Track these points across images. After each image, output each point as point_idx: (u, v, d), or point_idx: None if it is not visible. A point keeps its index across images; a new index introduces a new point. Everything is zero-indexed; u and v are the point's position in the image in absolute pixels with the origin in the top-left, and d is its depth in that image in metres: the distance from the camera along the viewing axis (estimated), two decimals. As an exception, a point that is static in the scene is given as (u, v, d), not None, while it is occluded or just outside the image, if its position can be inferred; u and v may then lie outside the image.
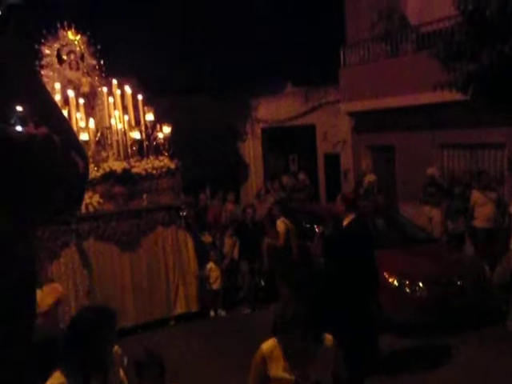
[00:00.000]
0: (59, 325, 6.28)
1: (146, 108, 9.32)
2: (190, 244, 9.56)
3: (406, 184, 13.18)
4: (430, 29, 12.09)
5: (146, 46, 15.80)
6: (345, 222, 6.74)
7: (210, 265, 9.76)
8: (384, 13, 13.08)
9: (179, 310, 9.41)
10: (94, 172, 8.61)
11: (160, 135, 9.37)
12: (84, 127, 8.72)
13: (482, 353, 7.24)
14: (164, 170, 9.29)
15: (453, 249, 10.01)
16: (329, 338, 3.63)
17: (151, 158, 9.34)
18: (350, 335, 5.82)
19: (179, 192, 9.59)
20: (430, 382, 6.66)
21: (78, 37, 9.63)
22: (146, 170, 9.13)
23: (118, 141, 9.18)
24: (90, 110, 9.50)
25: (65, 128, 1.68)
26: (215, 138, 16.84)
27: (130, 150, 9.23)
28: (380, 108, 13.39)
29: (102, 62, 9.83)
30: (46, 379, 2.95)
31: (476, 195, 9.95)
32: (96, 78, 9.80)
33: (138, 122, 9.34)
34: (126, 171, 8.90)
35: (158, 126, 9.36)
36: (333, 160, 16.40)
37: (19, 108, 1.69)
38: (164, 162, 9.36)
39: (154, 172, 9.19)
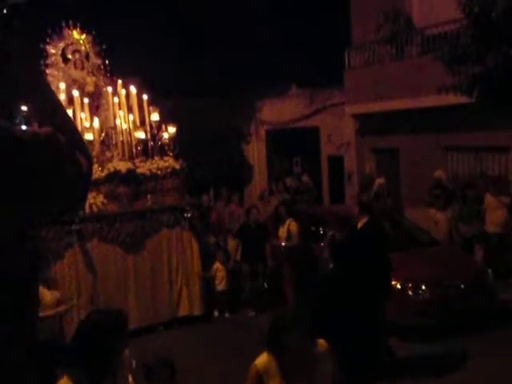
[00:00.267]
0: (61, 327, 6.26)
1: (151, 108, 9.30)
2: (195, 245, 9.49)
3: (411, 187, 13.16)
4: (436, 31, 12.09)
5: (148, 46, 15.84)
6: (359, 225, 6.74)
7: (217, 265, 9.71)
8: (390, 15, 13.07)
9: (182, 312, 9.35)
10: (98, 172, 8.57)
11: (165, 135, 9.33)
12: (89, 127, 8.72)
13: (485, 356, 7.17)
14: (169, 170, 9.24)
15: (457, 252, 9.99)
16: (322, 343, 3.49)
17: (156, 158, 9.30)
18: (355, 340, 5.78)
19: (184, 193, 9.56)
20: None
21: (83, 36, 9.63)
22: (150, 170, 9.10)
23: (122, 141, 9.16)
24: (95, 109, 9.49)
25: (69, 127, 1.68)
26: (219, 139, 16.84)
27: (134, 150, 9.21)
28: (384, 110, 13.37)
29: (106, 62, 9.82)
30: (46, 381, 2.92)
31: (489, 199, 9.95)
32: (101, 77, 9.80)
33: (142, 122, 9.31)
34: (130, 171, 8.87)
35: (164, 126, 9.32)
36: (337, 162, 16.38)
37: (24, 107, 1.70)
38: (169, 162, 9.31)
39: (159, 172, 9.15)
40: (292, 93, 17.75)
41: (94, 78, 9.68)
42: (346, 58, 14.68)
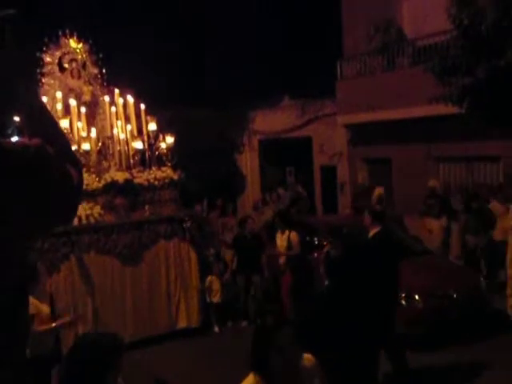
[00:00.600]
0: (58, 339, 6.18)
1: (148, 118, 9.22)
2: (193, 257, 9.30)
3: (404, 197, 13.25)
4: (426, 42, 12.27)
5: (146, 56, 15.88)
6: (370, 234, 6.79)
7: (210, 278, 9.56)
8: (381, 26, 13.25)
9: (180, 324, 9.17)
10: (95, 182, 8.50)
11: (163, 145, 9.24)
12: (85, 137, 8.65)
13: (478, 365, 7.21)
14: (167, 180, 9.14)
15: (450, 261, 10.03)
16: (308, 357, 3.28)
17: (154, 168, 9.21)
18: (347, 359, 5.68)
19: (181, 203, 9.45)
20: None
21: (80, 45, 9.54)
22: (148, 180, 8.99)
23: (120, 151, 9.09)
24: (92, 119, 9.39)
25: (59, 139, 1.67)
26: (213, 149, 16.88)
27: (132, 160, 9.11)
28: (376, 121, 13.51)
29: (103, 71, 9.75)
30: None
31: (497, 206, 9.89)
32: (98, 86, 9.71)
33: (140, 132, 9.23)
34: (127, 182, 8.77)
35: (161, 136, 9.24)
36: (329, 172, 16.49)
37: (16, 118, 1.72)
38: (167, 172, 9.22)
39: (157, 183, 9.04)
40: (284, 103, 17.87)
41: (90, 88, 9.60)
42: (338, 69, 14.84)
